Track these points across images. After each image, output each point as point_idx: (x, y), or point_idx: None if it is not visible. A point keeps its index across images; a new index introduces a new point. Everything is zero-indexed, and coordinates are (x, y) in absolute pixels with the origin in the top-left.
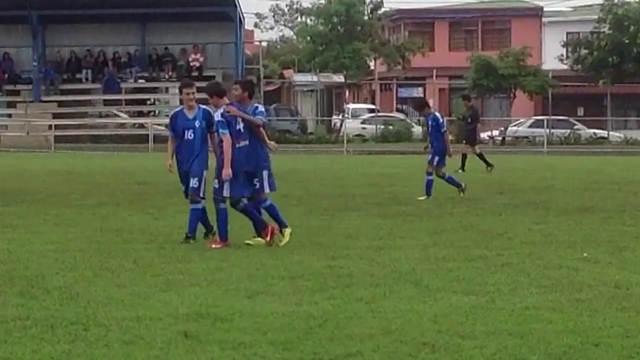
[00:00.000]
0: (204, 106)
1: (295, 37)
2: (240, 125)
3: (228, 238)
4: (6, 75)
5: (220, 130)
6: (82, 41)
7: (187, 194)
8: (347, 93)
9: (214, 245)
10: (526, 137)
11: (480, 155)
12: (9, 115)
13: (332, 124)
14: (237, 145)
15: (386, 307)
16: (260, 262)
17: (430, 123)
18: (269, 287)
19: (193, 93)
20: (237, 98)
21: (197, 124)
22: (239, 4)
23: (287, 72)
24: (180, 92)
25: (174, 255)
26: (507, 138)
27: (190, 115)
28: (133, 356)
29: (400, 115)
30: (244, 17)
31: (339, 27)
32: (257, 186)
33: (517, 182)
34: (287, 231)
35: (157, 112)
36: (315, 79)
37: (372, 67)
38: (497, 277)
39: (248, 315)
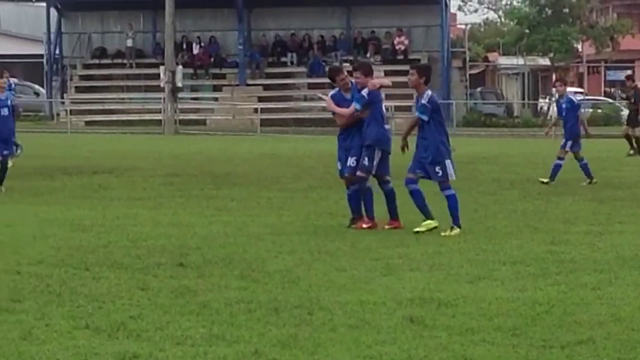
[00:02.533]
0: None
1: (498, 20)
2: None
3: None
4: (212, 59)
5: (355, 103)
6: (287, 24)
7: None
8: (554, 76)
9: (364, 225)
10: None
11: (628, 138)
12: (215, 99)
13: (539, 108)
14: (385, 126)
15: (613, 293)
16: (479, 247)
17: (564, 106)
18: (490, 272)
19: (346, 76)
20: (412, 84)
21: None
22: None
23: (492, 55)
24: (333, 80)
25: (391, 239)
26: None
27: (347, 95)
28: (360, 340)
29: (609, 99)
30: (449, 0)
31: (547, 10)
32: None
33: None
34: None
35: None
36: (520, 62)
37: (579, 50)
38: None
39: (472, 300)
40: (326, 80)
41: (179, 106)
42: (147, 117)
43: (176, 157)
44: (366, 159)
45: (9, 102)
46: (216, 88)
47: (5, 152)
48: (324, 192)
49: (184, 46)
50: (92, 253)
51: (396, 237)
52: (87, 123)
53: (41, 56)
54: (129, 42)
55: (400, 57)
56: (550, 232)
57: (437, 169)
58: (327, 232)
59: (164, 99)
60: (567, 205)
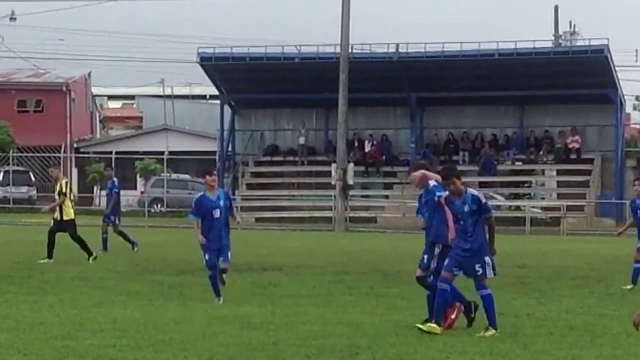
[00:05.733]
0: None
1: None
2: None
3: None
4: (384, 157)
5: (438, 192)
6: (460, 123)
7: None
8: None
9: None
10: None
11: None
12: (386, 197)
13: None
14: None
15: None
16: None
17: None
18: None
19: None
20: (454, 194)
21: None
22: (620, 86)
23: None
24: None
25: (564, 342)
26: None
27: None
28: None
29: None
30: (624, 100)
31: None
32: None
33: None
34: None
35: (532, 194)
36: None
37: None
38: None
39: None
40: (497, 178)
41: (350, 203)
42: (317, 214)
43: (346, 254)
44: (425, 256)
45: (221, 202)
46: (387, 186)
47: (222, 260)
48: (496, 292)
49: (356, 144)
50: (261, 351)
51: (569, 339)
52: (257, 219)
53: (213, 152)
54: (301, 140)
55: (573, 156)
56: None
57: (478, 266)
58: (500, 332)
59: (334, 196)
60: None
